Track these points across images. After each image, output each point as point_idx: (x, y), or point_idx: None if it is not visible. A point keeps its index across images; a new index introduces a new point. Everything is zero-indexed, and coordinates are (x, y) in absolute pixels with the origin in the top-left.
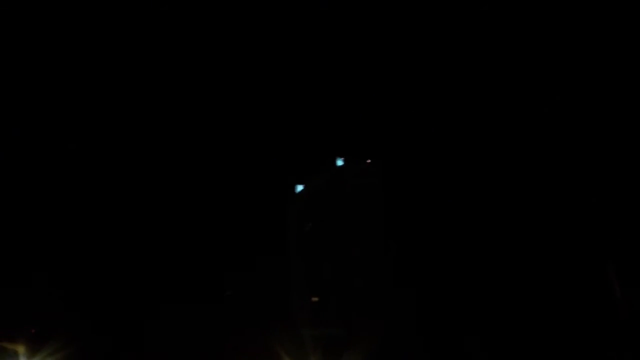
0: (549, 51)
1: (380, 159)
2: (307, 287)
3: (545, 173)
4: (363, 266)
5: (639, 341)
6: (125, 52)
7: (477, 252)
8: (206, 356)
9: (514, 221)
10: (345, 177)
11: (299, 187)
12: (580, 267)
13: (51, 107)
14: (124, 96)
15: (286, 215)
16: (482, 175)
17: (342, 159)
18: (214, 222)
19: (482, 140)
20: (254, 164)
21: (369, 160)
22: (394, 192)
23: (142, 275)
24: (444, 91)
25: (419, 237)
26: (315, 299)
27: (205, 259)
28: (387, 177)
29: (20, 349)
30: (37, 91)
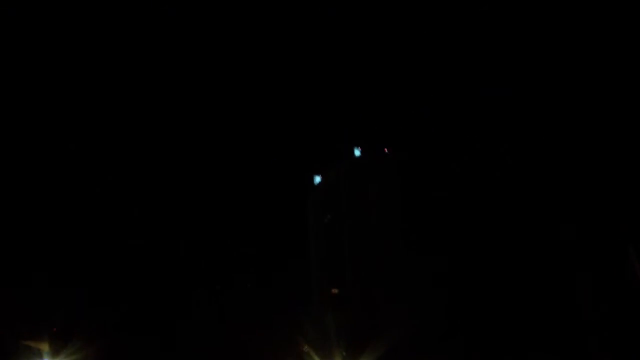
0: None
1: (397, 147)
2: (328, 279)
3: (569, 162)
4: (383, 256)
5: None
6: (125, 52)
7: (492, 242)
8: (231, 347)
9: (529, 211)
10: (363, 166)
11: (317, 179)
12: (603, 252)
13: (51, 107)
14: (126, 96)
15: (305, 207)
16: (503, 164)
17: (359, 148)
18: (233, 216)
19: (501, 131)
20: (271, 157)
21: (386, 149)
22: (411, 179)
23: (162, 272)
24: (460, 83)
25: (437, 225)
26: (335, 290)
27: (224, 252)
28: (404, 165)
29: (45, 348)
30: (37, 91)
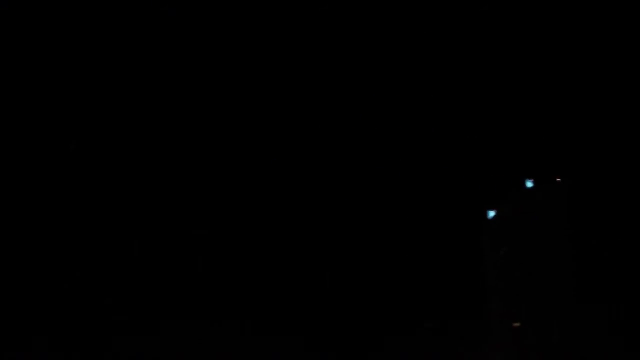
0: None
1: (569, 178)
2: (508, 312)
3: None
4: (563, 289)
5: None
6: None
7: None
8: None
9: None
10: (536, 198)
11: (491, 213)
12: None
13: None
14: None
15: (481, 241)
16: None
17: (531, 180)
18: (411, 257)
19: None
20: (444, 194)
21: (558, 179)
22: (583, 209)
23: None
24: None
25: (612, 254)
26: (516, 324)
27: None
28: (575, 195)
29: None
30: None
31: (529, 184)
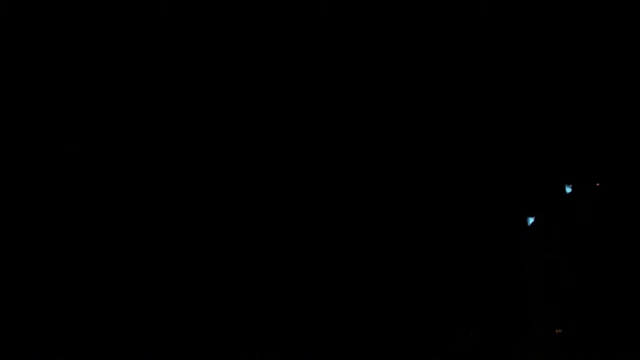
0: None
1: (608, 182)
2: (550, 319)
3: None
4: (606, 295)
5: None
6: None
7: None
8: None
9: None
10: (576, 203)
11: (530, 220)
12: None
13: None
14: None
15: (522, 249)
16: None
17: (570, 185)
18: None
19: None
20: (485, 200)
21: (598, 184)
22: (625, 214)
23: None
24: None
25: None
26: (558, 330)
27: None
28: (616, 200)
29: None
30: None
31: (569, 189)
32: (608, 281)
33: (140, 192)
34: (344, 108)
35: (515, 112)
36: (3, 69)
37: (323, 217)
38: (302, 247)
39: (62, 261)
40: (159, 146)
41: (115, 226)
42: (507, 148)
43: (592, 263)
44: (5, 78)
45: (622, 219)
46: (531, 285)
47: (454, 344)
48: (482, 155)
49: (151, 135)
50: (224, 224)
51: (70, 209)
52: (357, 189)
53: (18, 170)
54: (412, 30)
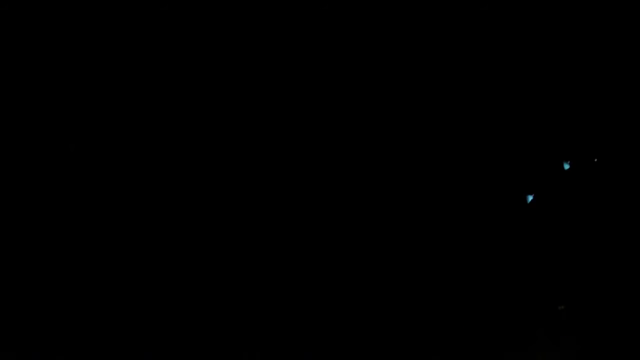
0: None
1: (608, 157)
2: (553, 295)
3: None
4: (611, 271)
5: None
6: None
7: None
8: None
9: None
10: (574, 180)
11: (530, 197)
12: None
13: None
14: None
15: (520, 228)
16: None
17: (568, 162)
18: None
19: None
20: (482, 179)
21: (596, 159)
22: (626, 191)
23: None
24: None
25: None
26: (561, 307)
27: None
28: (617, 176)
29: None
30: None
31: (566, 165)
32: (612, 261)
33: (140, 192)
34: (344, 108)
35: (512, 93)
36: (3, 69)
37: (323, 217)
38: (302, 247)
39: (62, 261)
40: (159, 146)
41: (115, 226)
42: (504, 123)
43: (596, 241)
44: (5, 78)
45: (622, 195)
46: (531, 284)
47: (454, 344)
48: (477, 132)
49: (151, 135)
50: (224, 224)
51: (70, 209)
52: (357, 188)
53: (18, 170)
54: (412, 30)
